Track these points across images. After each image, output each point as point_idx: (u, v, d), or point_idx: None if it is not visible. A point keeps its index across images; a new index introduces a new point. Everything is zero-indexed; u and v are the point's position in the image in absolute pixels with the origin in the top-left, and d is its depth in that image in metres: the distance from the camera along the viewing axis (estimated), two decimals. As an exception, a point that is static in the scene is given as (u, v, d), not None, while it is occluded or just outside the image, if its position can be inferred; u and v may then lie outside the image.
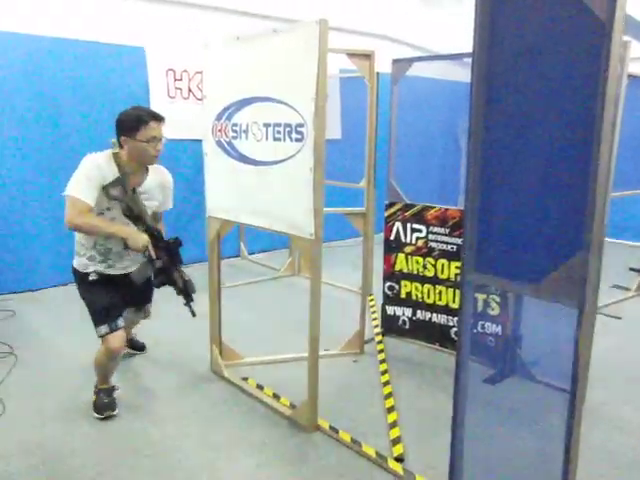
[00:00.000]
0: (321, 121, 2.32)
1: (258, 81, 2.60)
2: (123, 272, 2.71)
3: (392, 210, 3.61)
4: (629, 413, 2.86)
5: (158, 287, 2.75)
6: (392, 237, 3.64)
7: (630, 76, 3.92)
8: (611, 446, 2.54)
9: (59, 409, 2.79)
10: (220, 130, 2.88)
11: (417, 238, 3.53)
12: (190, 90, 5.44)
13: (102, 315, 2.60)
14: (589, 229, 1.46)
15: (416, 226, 3.52)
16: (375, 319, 4.03)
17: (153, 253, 2.61)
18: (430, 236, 3.48)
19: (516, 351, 3.20)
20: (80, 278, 2.71)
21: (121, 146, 2.55)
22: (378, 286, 3.99)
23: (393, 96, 3.47)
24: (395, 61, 3.45)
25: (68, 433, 2.58)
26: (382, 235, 3.71)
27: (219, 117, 2.87)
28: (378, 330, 3.83)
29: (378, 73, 3.84)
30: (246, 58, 2.65)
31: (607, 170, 1.44)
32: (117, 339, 2.60)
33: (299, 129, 2.41)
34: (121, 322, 2.65)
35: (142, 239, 2.53)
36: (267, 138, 2.61)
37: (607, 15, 1.39)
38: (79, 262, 2.69)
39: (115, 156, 2.52)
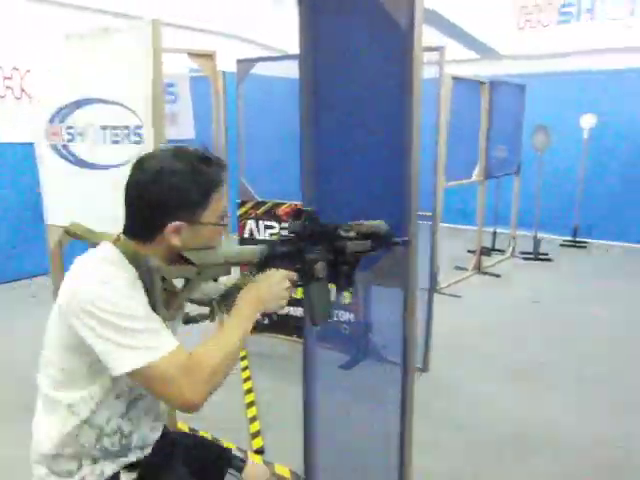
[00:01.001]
0: (160, 122, 2.29)
1: (91, 81, 2.49)
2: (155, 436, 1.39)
3: (244, 209, 3.65)
4: (471, 384, 3.20)
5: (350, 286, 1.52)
6: (246, 235, 3.68)
7: (455, 78, 4.34)
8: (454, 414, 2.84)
9: None
10: (54, 133, 2.72)
11: (271, 234, 3.61)
12: (23, 90, 5.03)
13: None
14: (408, 221, 1.62)
15: (269, 223, 3.60)
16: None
17: (292, 287, 1.35)
18: (282, 232, 3.57)
19: (368, 336, 3.41)
20: None
21: (145, 240, 1.21)
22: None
23: (239, 95, 3.51)
24: (239, 61, 3.49)
25: None
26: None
27: (52, 119, 2.70)
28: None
29: (225, 72, 3.86)
30: (77, 57, 2.53)
31: (417, 164, 1.60)
32: None
33: (138, 131, 2.36)
34: None
35: (273, 286, 1.29)
36: (105, 141, 2.51)
37: (408, 24, 1.54)
38: None
39: (129, 254, 1.20)
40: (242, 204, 3.65)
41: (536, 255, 6.27)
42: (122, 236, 1.23)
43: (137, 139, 2.37)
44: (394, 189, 1.66)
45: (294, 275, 1.32)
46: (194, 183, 1.18)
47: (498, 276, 5.59)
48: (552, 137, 6.09)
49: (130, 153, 2.41)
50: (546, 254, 6.30)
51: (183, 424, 2.60)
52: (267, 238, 3.58)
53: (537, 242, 6.29)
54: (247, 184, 3.67)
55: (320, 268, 1.36)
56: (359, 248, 1.43)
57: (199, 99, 5.85)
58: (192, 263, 1.22)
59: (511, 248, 6.43)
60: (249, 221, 3.64)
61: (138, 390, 1.25)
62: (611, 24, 6.27)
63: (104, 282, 1.11)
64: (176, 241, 1.18)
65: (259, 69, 3.63)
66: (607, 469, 2.42)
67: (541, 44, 6.74)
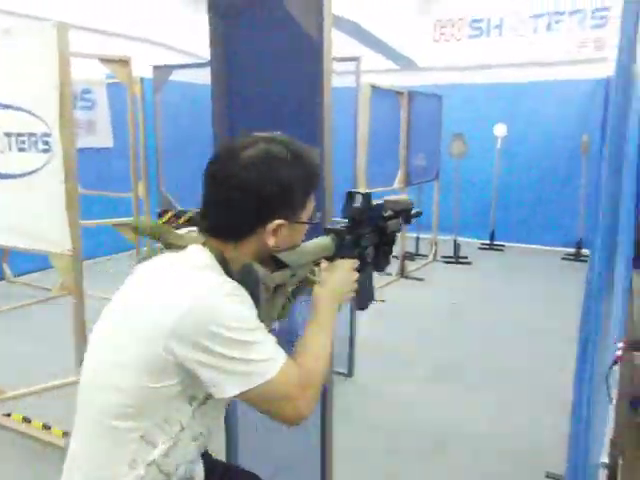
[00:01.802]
0: (69, 130, 2.21)
1: (-6, 86, 2.37)
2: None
3: (165, 218, 3.57)
4: (390, 387, 3.27)
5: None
6: (168, 245, 3.59)
7: (374, 87, 4.44)
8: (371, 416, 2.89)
9: None
10: (-46, 141, 2.55)
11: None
12: None
13: None
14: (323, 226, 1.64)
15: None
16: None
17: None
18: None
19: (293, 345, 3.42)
20: None
21: (234, 241, 1.07)
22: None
23: (156, 103, 3.43)
24: (155, 67, 3.42)
25: None
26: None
27: (-50, 126, 2.54)
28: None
29: (143, 79, 3.77)
30: (-23, 60, 2.39)
31: (330, 170, 1.63)
32: None
33: (45, 139, 2.26)
34: None
35: (346, 276, 1.24)
36: (11, 149, 2.39)
37: (318, 35, 1.57)
38: None
39: (218, 258, 1.06)
40: (162, 213, 3.58)
41: (457, 259, 6.51)
42: (196, 236, 1.06)
43: (45, 147, 2.27)
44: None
45: (356, 263, 1.26)
46: (300, 178, 1.05)
47: (421, 280, 5.76)
48: (468, 145, 6.37)
49: (36, 163, 2.31)
50: (466, 257, 6.55)
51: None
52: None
53: (457, 246, 6.54)
54: (167, 193, 3.59)
55: (371, 252, 1.34)
56: (395, 227, 1.40)
57: (119, 106, 5.70)
58: (285, 265, 1.11)
59: (433, 252, 6.64)
60: (170, 231, 3.56)
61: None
62: (517, 40, 6.65)
63: (228, 294, 0.96)
64: (272, 242, 1.05)
65: (180, 76, 3.58)
66: (526, 464, 2.53)
67: (455, 57, 7.05)
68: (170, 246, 1.06)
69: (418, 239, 6.67)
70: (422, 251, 6.71)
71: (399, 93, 5.23)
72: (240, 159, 1.03)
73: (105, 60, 2.96)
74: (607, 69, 5.19)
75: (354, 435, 2.64)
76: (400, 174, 5.49)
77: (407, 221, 1.44)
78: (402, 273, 5.86)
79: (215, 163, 1.06)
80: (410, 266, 6.08)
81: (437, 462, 2.54)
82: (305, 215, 1.10)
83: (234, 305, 0.95)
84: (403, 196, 1.43)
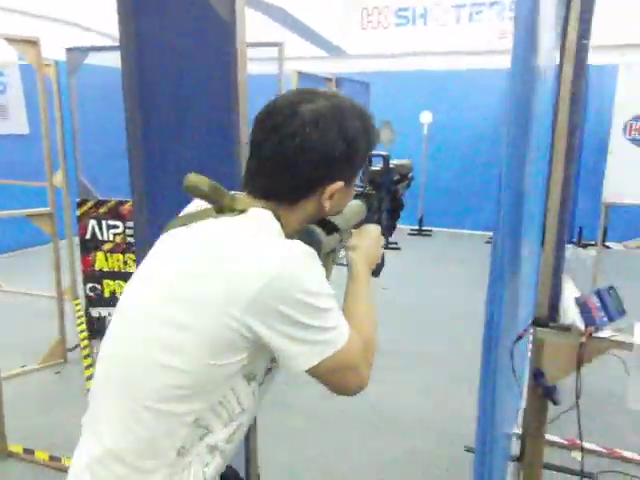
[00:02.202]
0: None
1: None
2: None
3: (85, 208, 3.41)
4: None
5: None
6: (88, 236, 3.45)
7: (300, 73, 4.43)
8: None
9: None
10: None
11: (114, 234, 3.42)
12: None
13: None
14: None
15: (112, 222, 3.41)
16: (81, 324, 3.80)
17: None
18: (128, 231, 3.40)
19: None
20: None
21: (288, 203, 0.97)
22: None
23: (71, 87, 3.27)
24: (69, 50, 3.25)
25: None
26: (79, 235, 3.50)
27: None
28: (84, 335, 3.62)
29: (57, 62, 3.59)
30: None
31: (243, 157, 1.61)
32: None
33: (-57, 123, 2.10)
34: None
35: (377, 241, 1.21)
36: None
37: (231, 17, 1.54)
38: None
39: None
40: (82, 203, 3.42)
41: (387, 244, 6.62)
42: (246, 198, 0.97)
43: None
44: (225, 185, 1.65)
45: (379, 228, 1.20)
46: (363, 136, 0.96)
47: (352, 266, 5.83)
48: (396, 132, 6.49)
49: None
50: (395, 243, 6.69)
51: (17, 446, 2.38)
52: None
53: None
54: (86, 182, 3.45)
55: (385, 217, 1.30)
56: (403, 191, 1.37)
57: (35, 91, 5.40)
58: (337, 229, 1.07)
59: (364, 238, 6.74)
60: (91, 221, 3.42)
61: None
62: (441, 29, 6.82)
63: (308, 259, 0.88)
64: (328, 205, 0.97)
65: (97, 58, 3.42)
66: (448, 440, 2.64)
67: (382, 44, 7.14)
68: (222, 210, 0.94)
69: (349, 226, 6.75)
70: (353, 237, 6.80)
71: (327, 79, 5.24)
72: (302, 114, 0.91)
73: (11, 40, 2.78)
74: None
75: (281, 417, 2.66)
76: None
77: (409, 185, 1.41)
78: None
79: (272, 117, 0.93)
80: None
81: (364, 442, 2.60)
82: (356, 178, 1.04)
83: (315, 271, 0.88)
84: (407, 160, 1.38)
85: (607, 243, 6.97)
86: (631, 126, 4.04)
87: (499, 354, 1.26)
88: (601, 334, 1.44)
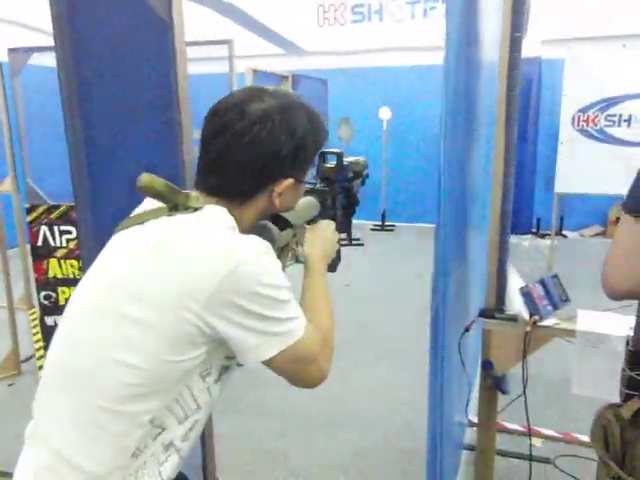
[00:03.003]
0: None
1: None
2: None
3: (35, 214, 3.32)
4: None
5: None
6: (40, 243, 3.35)
7: (255, 71, 4.40)
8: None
9: None
10: None
11: (68, 240, 3.33)
12: None
13: None
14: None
15: (64, 227, 3.32)
16: (37, 334, 3.69)
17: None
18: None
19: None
20: None
21: (240, 201, 0.99)
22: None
23: (15, 88, 3.17)
24: (11, 50, 3.15)
25: None
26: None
27: None
28: (40, 345, 3.52)
29: (1, 63, 3.48)
30: None
31: (189, 157, 1.58)
32: None
33: None
34: None
35: (331, 237, 1.24)
36: None
37: (168, 16, 1.50)
38: None
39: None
40: (32, 209, 3.32)
41: (350, 240, 6.64)
42: (199, 196, 0.97)
43: None
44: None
45: (333, 224, 1.25)
46: (312, 133, 0.98)
47: (315, 263, 5.83)
48: (355, 128, 6.51)
49: None
50: (358, 239, 6.72)
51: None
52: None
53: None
54: (35, 187, 3.35)
55: (340, 213, 1.32)
56: (357, 188, 1.39)
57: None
58: (290, 225, 1.11)
59: (327, 235, 6.75)
60: (42, 227, 3.32)
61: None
62: (397, 25, 6.86)
63: (265, 253, 0.90)
64: (278, 202, 0.99)
65: (44, 59, 3.32)
66: (411, 435, 2.66)
67: (339, 41, 7.14)
68: (177, 207, 0.94)
69: (311, 223, 6.74)
70: (316, 235, 6.79)
71: (283, 77, 5.22)
72: (249, 113, 0.93)
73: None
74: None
75: (239, 418, 2.64)
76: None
77: (363, 182, 1.44)
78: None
79: (221, 116, 0.94)
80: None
81: (326, 439, 2.60)
82: (307, 175, 1.05)
83: (271, 264, 0.90)
84: (361, 157, 1.41)
85: (564, 232, 7.15)
86: (579, 117, 4.14)
87: (447, 347, 1.27)
88: (545, 322, 1.47)
